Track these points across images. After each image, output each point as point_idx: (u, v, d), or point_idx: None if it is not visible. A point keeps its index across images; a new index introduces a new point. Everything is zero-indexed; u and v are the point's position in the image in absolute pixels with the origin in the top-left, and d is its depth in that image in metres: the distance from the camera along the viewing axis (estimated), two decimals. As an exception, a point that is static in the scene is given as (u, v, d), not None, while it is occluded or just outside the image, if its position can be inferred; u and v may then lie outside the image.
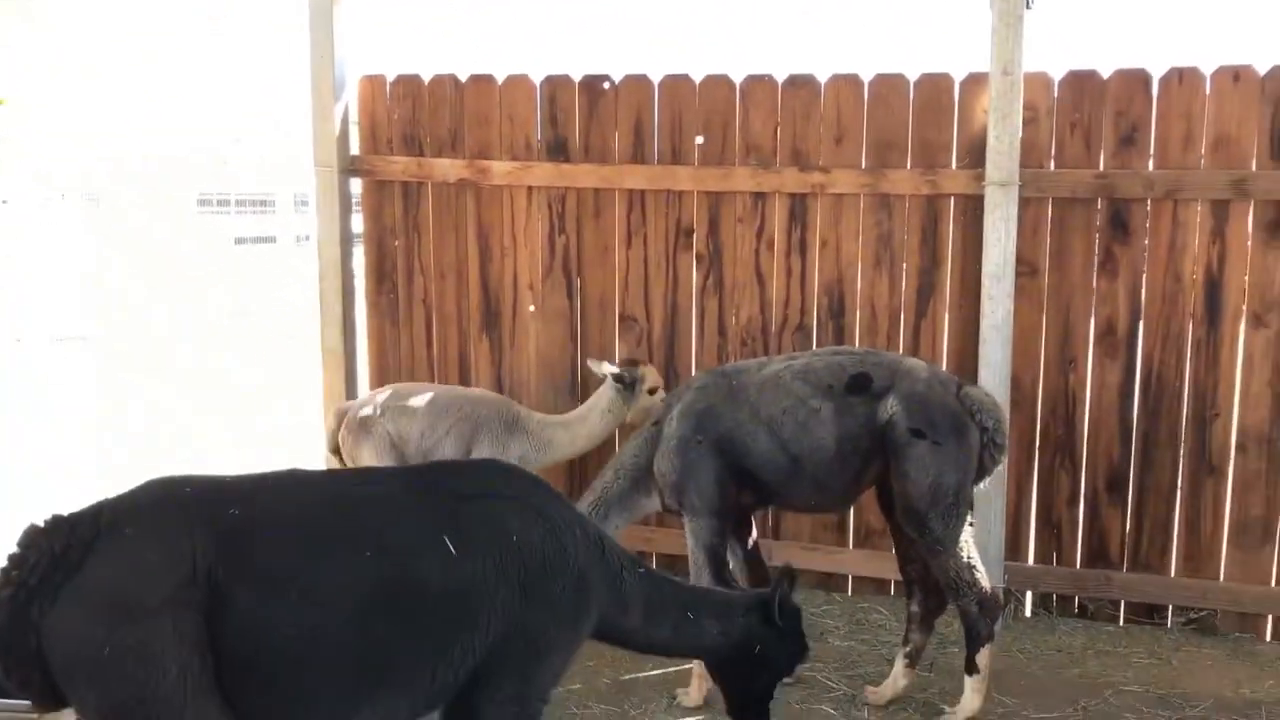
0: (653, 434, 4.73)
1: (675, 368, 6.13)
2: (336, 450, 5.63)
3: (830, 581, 6.05)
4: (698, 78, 5.99)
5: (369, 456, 5.41)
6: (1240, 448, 5.39)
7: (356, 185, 6.61)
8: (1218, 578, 5.50)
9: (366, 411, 5.51)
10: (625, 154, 6.10)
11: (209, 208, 26.22)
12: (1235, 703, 4.82)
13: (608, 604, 3.20)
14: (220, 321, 15.39)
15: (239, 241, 25.55)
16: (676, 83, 6.01)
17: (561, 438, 5.55)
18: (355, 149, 6.53)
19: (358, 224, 6.65)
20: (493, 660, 2.95)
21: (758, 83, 5.91)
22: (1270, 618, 5.48)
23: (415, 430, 5.43)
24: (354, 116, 6.53)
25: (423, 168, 6.36)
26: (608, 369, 5.41)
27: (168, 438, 8.84)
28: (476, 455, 5.36)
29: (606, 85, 6.11)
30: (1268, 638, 5.47)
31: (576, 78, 6.16)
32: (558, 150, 6.19)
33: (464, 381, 6.41)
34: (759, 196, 5.94)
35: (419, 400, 5.51)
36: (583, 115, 6.16)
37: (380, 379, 6.59)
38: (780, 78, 5.88)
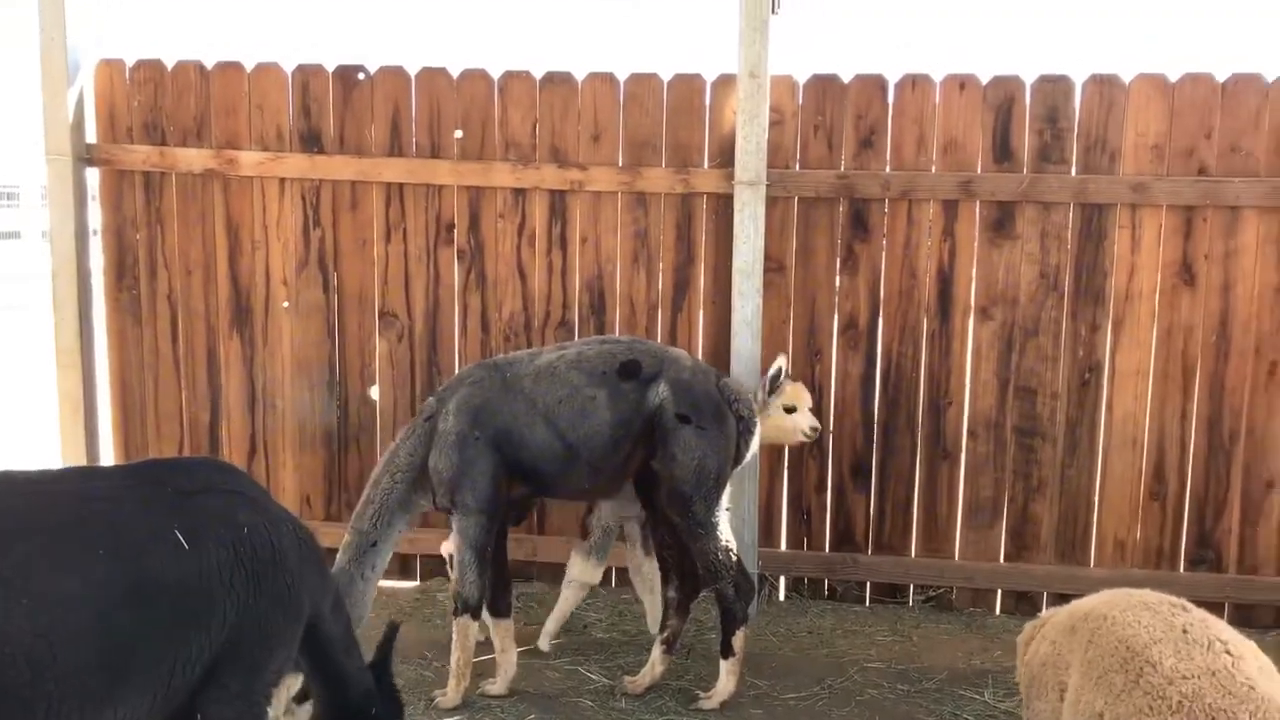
0: (425, 430, 4.64)
1: (438, 364, 6.05)
2: None
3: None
4: (455, 71, 5.94)
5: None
6: (971, 433, 5.75)
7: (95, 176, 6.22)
8: (953, 557, 5.85)
9: None
10: (382, 146, 5.97)
11: (-56, 201, 24.17)
12: (967, 673, 5.13)
13: (318, 592, 3.24)
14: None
15: (-19, 237, 23.68)
16: (434, 75, 5.93)
17: None
18: (92, 137, 6.14)
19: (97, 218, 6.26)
20: (224, 654, 2.93)
21: (515, 79, 5.89)
22: (999, 592, 5.87)
23: None
24: (91, 103, 6.15)
25: (165, 157, 6.04)
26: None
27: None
28: None
29: (361, 76, 5.97)
30: (997, 611, 5.86)
31: (330, 67, 6.00)
32: (311, 141, 6.00)
33: (213, 381, 6.15)
34: (519, 192, 5.93)
35: None
36: (337, 106, 5.99)
37: (121, 379, 6.23)
38: (538, 74, 5.89)
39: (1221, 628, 2.79)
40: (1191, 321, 5.54)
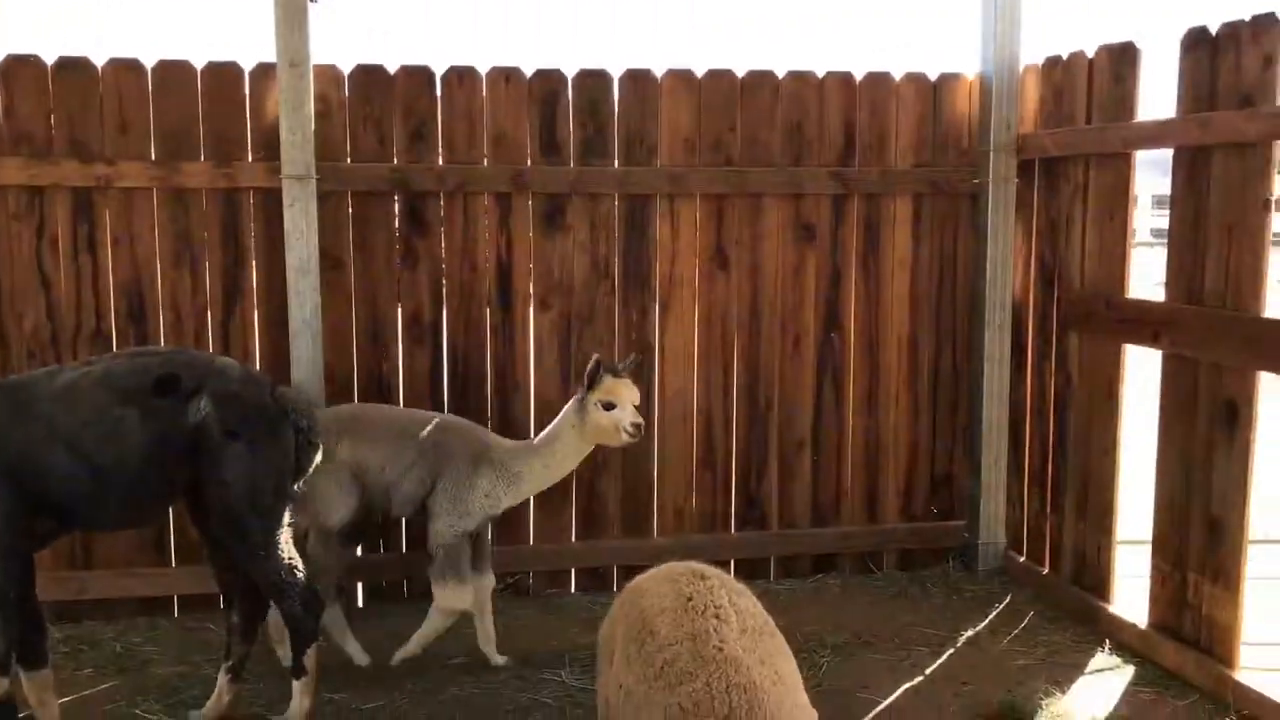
0: None
1: (-53, 389, 5.30)
2: None
3: (155, 606, 5.63)
4: (-55, 55, 5.22)
5: (326, 486, 4.89)
6: (539, 421, 5.85)
7: None
8: (529, 542, 5.97)
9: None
10: None
11: None
12: (546, 655, 5.23)
13: None
14: None
15: None
16: (-86, 60, 5.19)
17: (534, 467, 5.02)
18: None
19: None
20: None
21: (22, 64, 5.27)
22: (573, 571, 6.06)
23: (376, 460, 4.98)
24: None
25: None
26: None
27: None
28: (441, 491, 4.96)
29: None
30: (573, 590, 6.06)
31: None
32: None
33: None
34: (36, 191, 5.33)
35: (381, 427, 5.07)
36: None
37: None
38: (50, 60, 5.31)
39: (725, 593, 2.94)
40: (728, 302, 5.99)
